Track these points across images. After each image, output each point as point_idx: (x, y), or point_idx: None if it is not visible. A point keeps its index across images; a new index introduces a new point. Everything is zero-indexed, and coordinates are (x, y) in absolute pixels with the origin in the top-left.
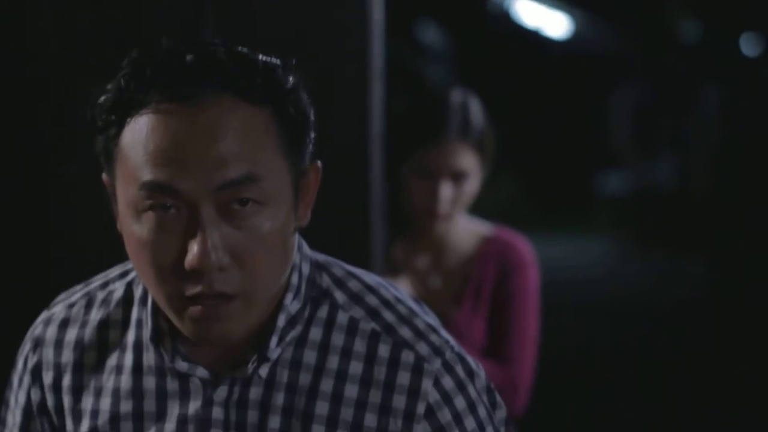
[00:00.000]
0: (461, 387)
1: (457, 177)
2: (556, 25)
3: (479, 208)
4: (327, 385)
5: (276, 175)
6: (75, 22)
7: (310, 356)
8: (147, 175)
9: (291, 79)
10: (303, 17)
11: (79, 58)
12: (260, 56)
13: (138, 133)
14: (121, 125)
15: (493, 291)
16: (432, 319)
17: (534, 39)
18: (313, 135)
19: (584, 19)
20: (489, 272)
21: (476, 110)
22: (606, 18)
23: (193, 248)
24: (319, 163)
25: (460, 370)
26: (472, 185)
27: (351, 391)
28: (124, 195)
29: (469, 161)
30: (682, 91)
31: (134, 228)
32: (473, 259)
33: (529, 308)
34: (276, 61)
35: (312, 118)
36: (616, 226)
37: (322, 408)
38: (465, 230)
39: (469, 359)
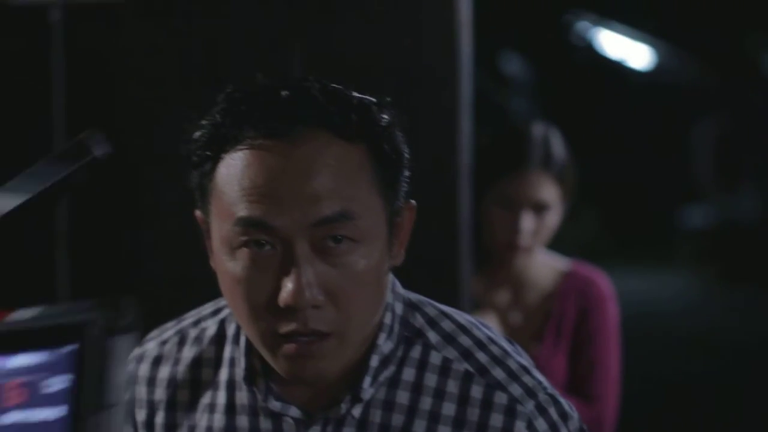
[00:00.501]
0: (554, 429)
1: (538, 208)
2: (639, 56)
3: (560, 242)
4: (420, 426)
5: (371, 212)
6: (162, 54)
7: (403, 397)
8: (242, 211)
9: (386, 116)
10: (391, 50)
11: (166, 90)
12: (354, 93)
13: (233, 169)
14: (216, 161)
15: (574, 327)
16: (525, 360)
17: (617, 70)
18: (407, 173)
19: (667, 51)
20: (569, 308)
21: (558, 143)
22: (688, 50)
23: (288, 285)
24: (413, 201)
25: (553, 412)
26: (553, 217)
27: None
28: (219, 231)
29: (550, 193)
30: (765, 123)
31: (228, 265)
32: (553, 295)
33: (611, 344)
34: (371, 98)
35: (407, 156)
36: (699, 259)
37: None
38: (544, 265)
39: (563, 401)
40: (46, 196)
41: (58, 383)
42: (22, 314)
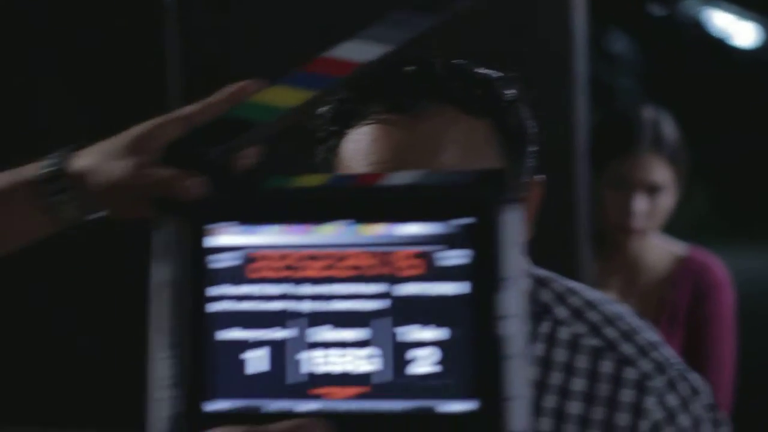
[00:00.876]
0: (685, 405)
1: (651, 190)
2: (746, 34)
3: (672, 222)
4: (550, 401)
5: None
6: (276, 34)
7: (533, 372)
8: None
9: (510, 91)
10: (504, 33)
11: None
12: (479, 68)
13: (359, 144)
14: (341, 136)
15: (688, 314)
16: (655, 336)
17: (724, 48)
18: (533, 148)
19: None
20: (684, 295)
21: (669, 126)
22: None
23: None
24: (541, 176)
25: (684, 387)
26: (667, 200)
27: (574, 407)
28: None
29: (663, 174)
30: None
31: None
32: (668, 281)
33: (726, 332)
34: (495, 73)
35: (532, 130)
36: None
37: (545, 424)
38: (659, 250)
39: (693, 376)
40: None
41: (454, 257)
42: (402, 178)
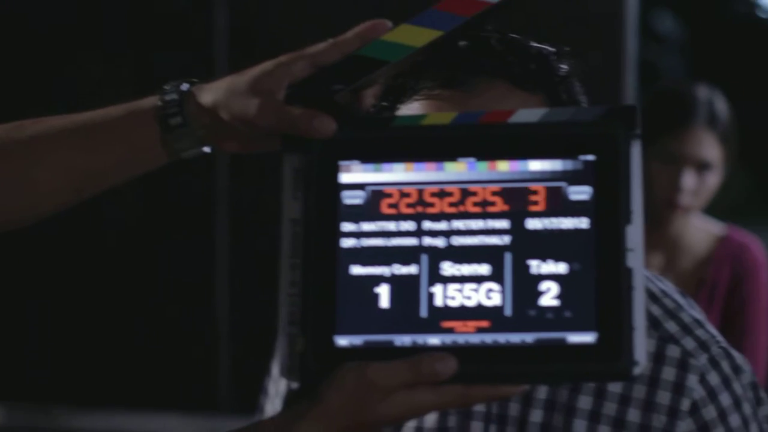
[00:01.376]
0: (727, 383)
1: (701, 167)
2: None
3: (714, 203)
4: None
5: None
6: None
7: None
8: None
9: (564, 66)
10: (557, 9)
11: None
12: (533, 43)
13: None
14: (392, 111)
15: (727, 294)
16: (698, 314)
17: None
18: None
19: None
20: (723, 275)
21: (723, 105)
22: None
23: None
24: None
25: (726, 365)
26: (714, 179)
27: (614, 385)
28: None
29: (714, 152)
30: None
31: None
32: (707, 261)
33: (762, 313)
34: (549, 48)
35: (585, 105)
36: None
37: (584, 402)
38: (698, 229)
39: (735, 354)
40: None
41: (580, 193)
42: (529, 115)
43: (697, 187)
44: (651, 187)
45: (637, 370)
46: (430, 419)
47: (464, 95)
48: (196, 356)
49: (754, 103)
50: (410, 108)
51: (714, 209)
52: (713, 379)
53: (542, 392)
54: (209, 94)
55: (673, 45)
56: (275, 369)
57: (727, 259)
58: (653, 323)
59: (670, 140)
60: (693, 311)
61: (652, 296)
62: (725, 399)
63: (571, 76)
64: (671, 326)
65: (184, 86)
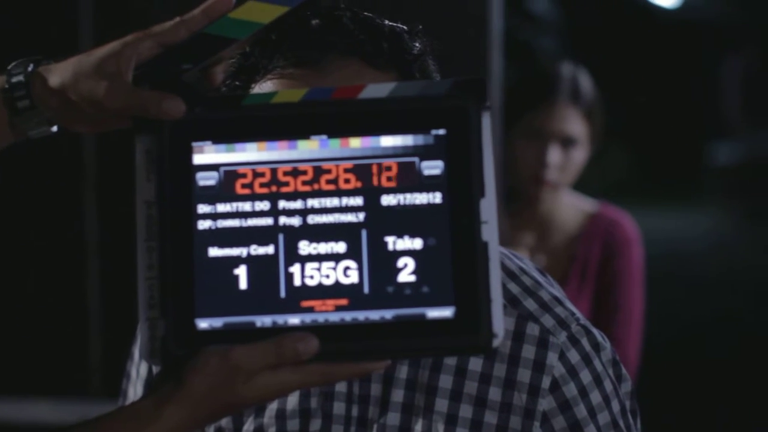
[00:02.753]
0: (587, 360)
1: (566, 142)
2: None
3: (588, 180)
4: (451, 358)
5: None
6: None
7: None
8: None
9: (417, 44)
10: None
11: None
12: (386, 21)
13: None
14: (245, 91)
15: (599, 270)
16: (557, 291)
17: (644, 8)
18: None
19: None
20: (594, 251)
21: (586, 81)
22: None
23: None
24: None
25: (585, 343)
26: (580, 154)
27: (475, 364)
28: None
29: (578, 127)
30: None
31: None
32: (578, 238)
33: (635, 287)
34: (402, 26)
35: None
36: (727, 197)
37: (446, 381)
38: (570, 207)
39: (595, 331)
40: None
41: (433, 167)
42: (379, 90)
43: (563, 162)
44: (518, 165)
45: (496, 342)
46: (292, 401)
47: (316, 74)
48: (66, 340)
49: (631, 82)
50: (263, 87)
51: (595, 188)
52: (573, 356)
53: (403, 372)
54: (57, 75)
55: (548, 25)
56: (137, 352)
57: (598, 235)
58: (512, 301)
59: (535, 117)
60: (552, 289)
61: (510, 274)
62: (586, 376)
63: (425, 55)
64: (530, 304)
65: (31, 66)
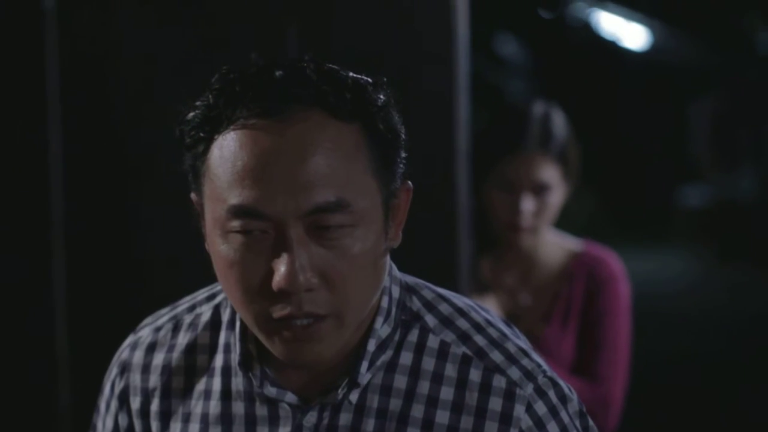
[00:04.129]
0: (554, 412)
1: (539, 189)
2: (635, 36)
3: (557, 224)
4: (418, 410)
5: (365, 195)
6: (155, 38)
7: (400, 381)
8: (234, 198)
9: (381, 96)
10: (386, 32)
11: (160, 74)
12: (350, 73)
13: (226, 150)
14: (209, 142)
15: (583, 308)
16: (523, 342)
17: (613, 51)
18: (404, 154)
19: (663, 31)
20: (578, 289)
21: (559, 123)
22: (684, 30)
23: (281, 269)
24: (409, 183)
25: (552, 395)
26: (555, 198)
27: (442, 417)
28: (212, 214)
29: (550, 173)
30: (762, 102)
31: (221, 248)
32: (562, 276)
33: (620, 325)
34: (366, 78)
35: (403, 136)
36: (697, 239)
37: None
38: (553, 245)
39: (562, 383)
40: None
41: None
42: None
43: (537, 208)
44: (494, 213)
45: None
46: None
47: (280, 126)
48: (34, 392)
49: (600, 124)
50: (226, 138)
51: (561, 226)
52: (540, 408)
53: (370, 425)
54: None
55: (518, 68)
56: (102, 406)
57: (583, 273)
58: (478, 353)
59: (505, 166)
60: (518, 340)
61: (476, 326)
62: (552, 428)
63: (389, 106)
64: (496, 356)
65: None
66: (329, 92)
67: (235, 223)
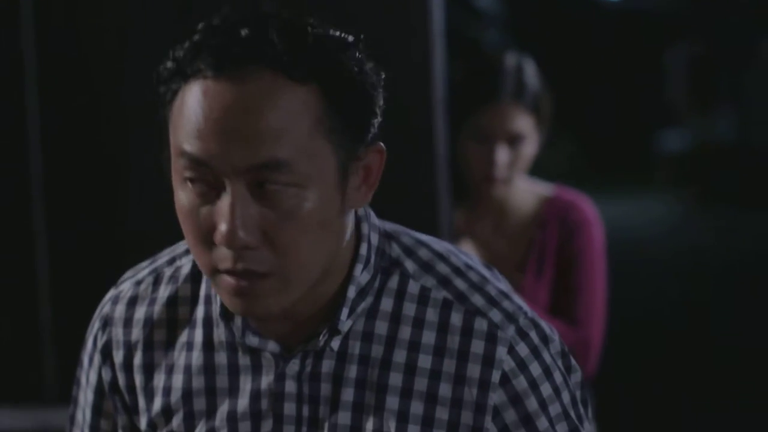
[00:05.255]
0: (536, 353)
1: (513, 140)
2: None
3: (537, 171)
4: (400, 355)
5: (313, 157)
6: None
7: (381, 327)
8: (185, 146)
9: (351, 57)
10: None
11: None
12: (320, 31)
13: (184, 103)
14: (174, 94)
15: (557, 253)
16: (504, 285)
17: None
18: (377, 118)
19: None
20: (551, 234)
21: (531, 73)
22: None
23: (221, 224)
24: (381, 144)
25: (534, 336)
26: (529, 148)
27: (424, 361)
28: (174, 163)
29: (524, 124)
30: (738, 44)
31: (179, 195)
32: (535, 222)
33: (596, 267)
34: (340, 36)
35: (376, 100)
36: (677, 183)
37: (395, 379)
38: (526, 192)
39: (543, 324)
40: None
41: None
42: None
43: (512, 159)
44: (469, 165)
45: None
46: (242, 403)
47: (230, 84)
48: (18, 347)
49: (578, 73)
50: (185, 91)
51: (543, 179)
52: (522, 350)
53: (353, 371)
54: None
55: (494, 20)
56: (86, 359)
57: (556, 217)
58: (459, 297)
59: (479, 117)
60: (499, 283)
61: (456, 270)
62: (535, 369)
63: (354, 68)
64: (477, 300)
65: None
66: (283, 52)
67: (188, 173)
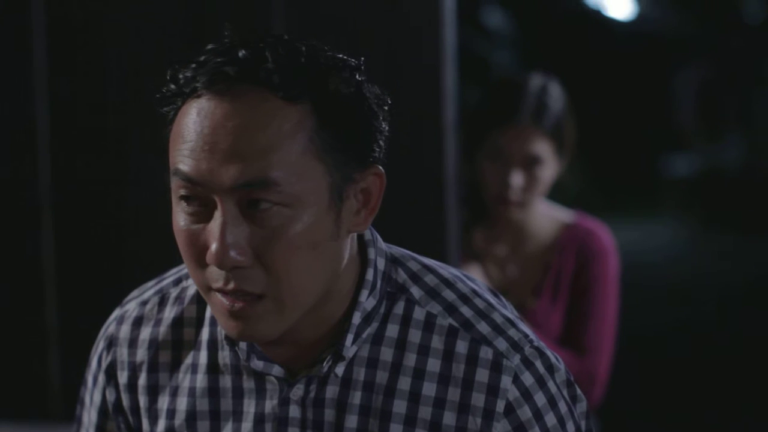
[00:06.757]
0: (541, 383)
1: (530, 163)
2: (620, 6)
3: (549, 196)
4: (404, 383)
5: (303, 177)
6: (142, 16)
7: (386, 354)
8: (179, 165)
9: (344, 78)
10: (372, 5)
11: (146, 54)
12: (312, 51)
13: (179, 122)
14: (175, 114)
15: (573, 280)
16: (510, 313)
17: (598, 20)
18: (377, 142)
19: (648, 0)
20: (568, 261)
21: (556, 96)
22: None
23: (212, 243)
24: (380, 167)
25: (539, 365)
26: (547, 172)
27: (429, 389)
28: (171, 182)
29: (542, 147)
30: (748, 70)
31: (175, 214)
32: (553, 248)
33: (609, 297)
34: (335, 57)
35: (376, 123)
36: (683, 208)
37: (400, 406)
38: (545, 217)
39: (549, 353)
40: None
41: None
42: None
43: (527, 182)
44: (485, 185)
45: None
46: (246, 427)
47: (222, 103)
48: (25, 363)
49: (587, 95)
50: (182, 110)
51: (548, 196)
52: (527, 379)
53: (357, 397)
54: None
55: (504, 40)
56: (90, 379)
57: (573, 244)
58: (465, 325)
59: (497, 137)
60: (505, 310)
61: (463, 297)
62: (540, 399)
63: (356, 89)
64: (483, 327)
65: None
66: (275, 71)
67: (182, 191)
